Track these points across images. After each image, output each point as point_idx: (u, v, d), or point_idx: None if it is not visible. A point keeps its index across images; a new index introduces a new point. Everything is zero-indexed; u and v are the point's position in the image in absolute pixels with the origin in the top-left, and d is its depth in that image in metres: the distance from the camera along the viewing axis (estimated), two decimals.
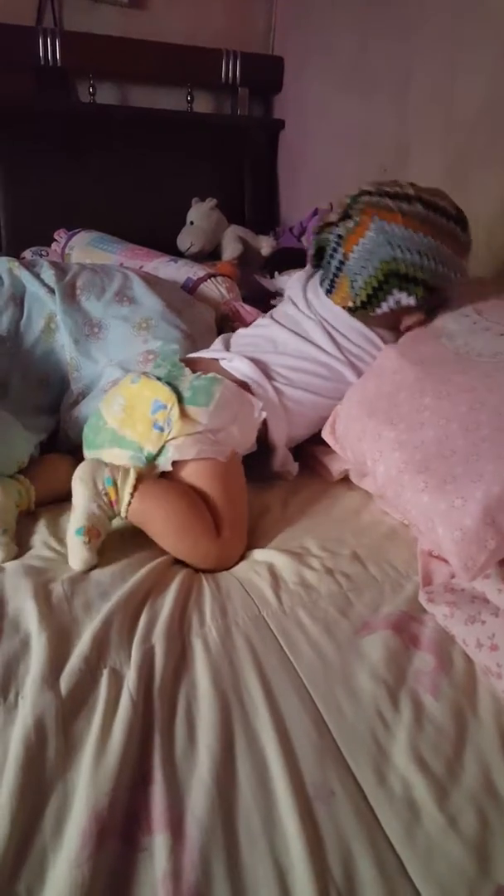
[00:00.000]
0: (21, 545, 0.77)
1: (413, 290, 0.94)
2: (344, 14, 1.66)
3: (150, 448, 0.84)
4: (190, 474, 0.84)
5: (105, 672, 0.58)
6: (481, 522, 0.63)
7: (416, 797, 0.49)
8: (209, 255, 1.69)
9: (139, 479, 0.80)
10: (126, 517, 0.79)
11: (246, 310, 1.29)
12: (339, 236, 0.98)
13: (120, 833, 0.45)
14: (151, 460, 0.84)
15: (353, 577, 0.73)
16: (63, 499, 0.86)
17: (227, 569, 0.77)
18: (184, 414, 0.85)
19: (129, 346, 1.10)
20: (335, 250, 0.99)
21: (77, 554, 0.73)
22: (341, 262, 0.98)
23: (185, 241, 1.67)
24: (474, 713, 0.57)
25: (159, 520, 0.79)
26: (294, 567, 0.74)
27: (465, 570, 0.64)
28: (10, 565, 0.72)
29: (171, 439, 0.84)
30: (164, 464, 0.84)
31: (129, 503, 0.78)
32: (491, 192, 1.28)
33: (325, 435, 0.93)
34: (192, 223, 1.70)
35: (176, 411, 0.85)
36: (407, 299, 0.94)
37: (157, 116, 1.85)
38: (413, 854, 0.46)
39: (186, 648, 0.61)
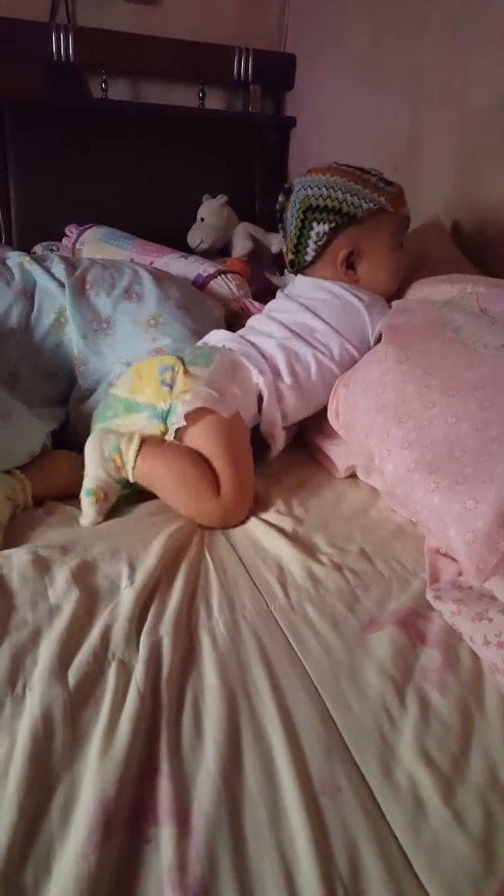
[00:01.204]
0: (21, 540, 0.77)
1: (325, 218, 1.07)
2: (356, 10, 1.66)
3: (163, 404, 0.90)
4: (195, 436, 0.88)
5: (114, 664, 0.58)
6: (493, 524, 0.63)
7: (421, 792, 0.49)
8: (219, 251, 1.70)
9: (143, 442, 0.86)
10: (133, 479, 0.85)
11: (255, 307, 1.29)
12: (278, 209, 1.17)
13: (126, 824, 0.45)
14: (166, 418, 0.90)
15: (360, 574, 0.73)
16: (63, 496, 0.89)
17: (234, 526, 0.82)
18: (187, 373, 0.92)
19: (137, 343, 1.10)
20: (280, 225, 1.17)
21: (84, 512, 0.82)
22: (282, 229, 1.17)
23: (195, 237, 1.67)
24: (481, 710, 0.57)
25: (164, 479, 0.85)
26: (302, 561, 0.74)
27: (477, 571, 0.64)
28: (19, 557, 0.72)
29: (179, 394, 0.89)
30: (178, 420, 0.88)
31: (134, 466, 0.84)
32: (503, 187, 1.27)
33: (331, 419, 0.95)
34: (202, 220, 1.70)
35: (181, 369, 0.92)
36: (321, 227, 1.07)
37: (168, 113, 1.85)
38: (418, 849, 0.45)
39: (194, 641, 0.62)
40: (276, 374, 0.99)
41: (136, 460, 0.84)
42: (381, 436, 0.80)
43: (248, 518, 0.84)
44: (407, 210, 1.12)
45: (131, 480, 0.85)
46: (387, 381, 0.86)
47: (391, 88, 1.54)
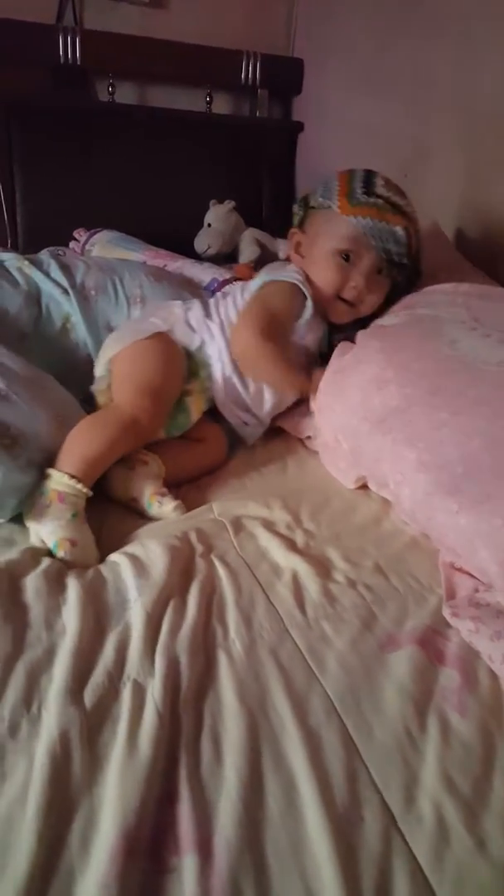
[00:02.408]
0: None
1: (297, 213, 1.15)
2: (364, 15, 1.65)
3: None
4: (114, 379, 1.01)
5: (129, 684, 0.57)
6: None
7: (445, 819, 0.48)
8: (226, 257, 1.69)
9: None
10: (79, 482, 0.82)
11: None
12: None
13: (148, 853, 0.45)
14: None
15: (375, 590, 0.72)
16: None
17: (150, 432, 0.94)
18: None
19: None
20: None
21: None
22: None
23: (202, 243, 1.67)
24: (501, 731, 0.56)
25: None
26: (317, 577, 0.73)
27: None
28: (32, 572, 0.71)
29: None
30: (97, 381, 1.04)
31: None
32: None
33: (331, 445, 0.96)
34: (209, 225, 1.69)
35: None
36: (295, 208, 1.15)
37: (175, 117, 1.84)
38: (443, 878, 0.45)
39: (211, 661, 0.61)
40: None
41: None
42: (392, 460, 0.80)
43: (255, 529, 0.82)
44: (383, 242, 1.04)
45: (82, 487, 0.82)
46: (390, 406, 0.85)
47: (399, 94, 1.54)
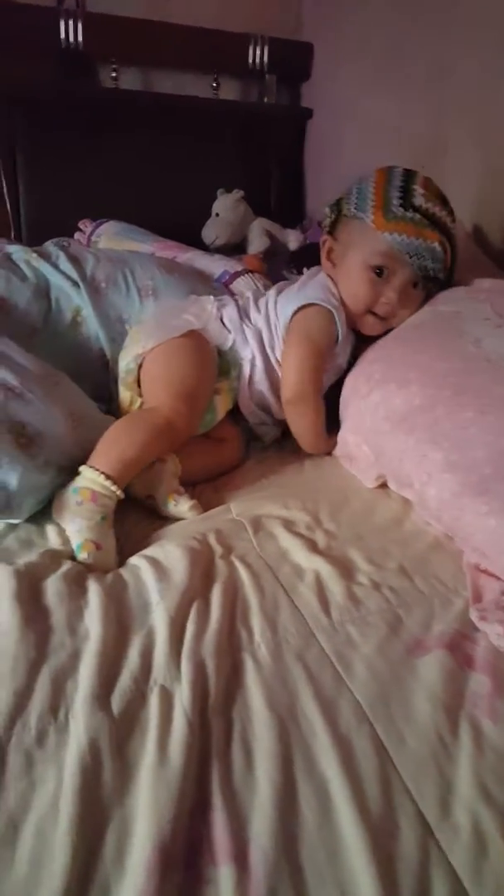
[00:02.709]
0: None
1: (331, 206, 1.10)
2: (377, 1, 1.62)
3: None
4: (145, 376, 1.00)
5: (156, 690, 0.56)
6: None
7: (482, 829, 0.48)
8: (235, 248, 1.67)
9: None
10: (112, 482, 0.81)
11: None
12: None
13: (184, 864, 0.44)
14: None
15: (401, 592, 0.71)
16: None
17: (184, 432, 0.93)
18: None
19: None
20: None
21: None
22: None
23: (210, 233, 1.65)
24: None
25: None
26: (340, 578, 0.72)
27: None
28: (52, 575, 0.70)
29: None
30: (126, 373, 1.02)
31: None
32: None
33: (351, 445, 0.94)
34: (217, 215, 1.67)
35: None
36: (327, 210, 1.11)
37: (181, 103, 1.81)
38: (482, 891, 0.44)
39: (237, 666, 0.60)
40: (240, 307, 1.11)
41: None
42: (416, 460, 0.79)
43: (275, 530, 0.81)
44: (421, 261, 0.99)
45: (115, 489, 0.81)
46: (414, 405, 0.84)
47: (414, 84, 1.51)
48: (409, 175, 1.02)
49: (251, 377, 1.07)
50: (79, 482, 0.80)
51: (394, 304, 1.03)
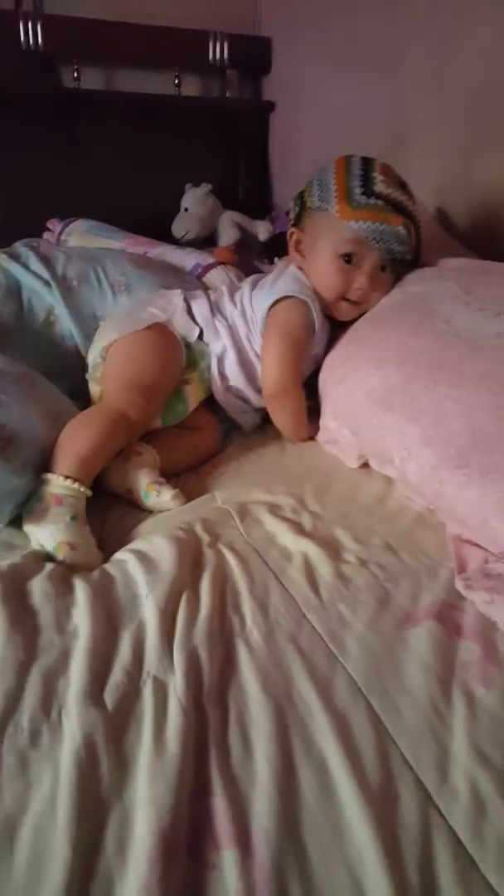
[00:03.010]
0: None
1: (294, 200, 1.12)
2: None
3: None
4: (108, 369, 1.00)
5: (149, 681, 0.56)
6: None
7: (480, 791, 0.48)
8: (205, 241, 1.67)
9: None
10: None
11: None
12: None
13: (187, 852, 0.44)
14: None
15: (388, 568, 0.72)
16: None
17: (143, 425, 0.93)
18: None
19: None
20: None
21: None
22: None
23: (180, 227, 1.64)
24: None
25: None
26: (328, 559, 0.72)
27: None
28: (37, 575, 0.69)
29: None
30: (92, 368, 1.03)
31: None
32: (492, 171, 1.26)
33: (332, 427, 0.95)
34: (186, 210, 1.67)
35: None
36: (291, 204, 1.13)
37: (145, 101, 1.80)
38: (485, 851, 0.44)
39: (230, 652, 0.60)
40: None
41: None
42: (396, 436, 0.79)
43: (261, 515, 0.81)
44: (386, 244, 1.00)
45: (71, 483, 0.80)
46: (390, 384, 0.85)
47: (373, 71, 1.51)
48: (367, 163, 1.04)
49: (221, 371, 1.06)
50: (42, 490, 0.79)
51: (365, 288, 1.04)
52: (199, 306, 1.10)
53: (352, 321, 1.08)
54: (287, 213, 1.13)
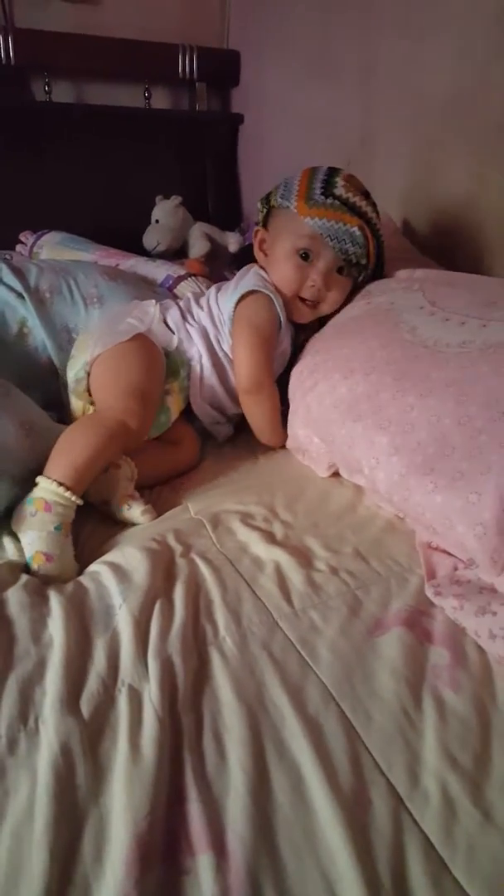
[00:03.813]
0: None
1: (260, 211, 1.14)
2: (302, 4, 1.65)
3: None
4: (94, 381, 0.99)
5: (124, 690, 0.56)
6: (501, 513, 0.64)
7: (450, 794, 0.49)
8: (176, 252, 1.68)
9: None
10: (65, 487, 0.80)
11: None
12: None
13: (162, 857, 0.44)
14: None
15: (358, 575, 0.73)
16: None
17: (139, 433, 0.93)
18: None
19: None
20: None
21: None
22: None
23: (151, 239, 1.65)
24: (494, 703, 0.58)
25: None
26: (299, 567, 0.73)
27: (493, 563, 0.64)
28: (12, 586, 0.69)
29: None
30: (75, 381, 1.02)
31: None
32: (456, 183, 1.29)
33: (301, 437, 0.97)
34: (157, 221, 1.68)
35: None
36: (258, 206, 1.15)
37: (115, 113, 1.82)
38: (455, 852, 0.46)
39: (204, 660, 0.60)
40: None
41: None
42: (365, 446, 0.81)
43: (233, 525, 0.82)
44: (339, 244, 1.03)
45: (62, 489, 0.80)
46: (358, 393, 0.86)
47: (341, 82, 1.55)
48: (332, 170, 1.08)
49: (201, 375, 1.08)
50: (34, 493, 0.79)
51: (319, 286, 1.07)
52: (172, 315, 1.12)
53: (319, 327, 1.11)
54: (257, 224, 1.15)
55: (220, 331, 1.10)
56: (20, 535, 0.76)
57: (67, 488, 0.79)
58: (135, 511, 0.85)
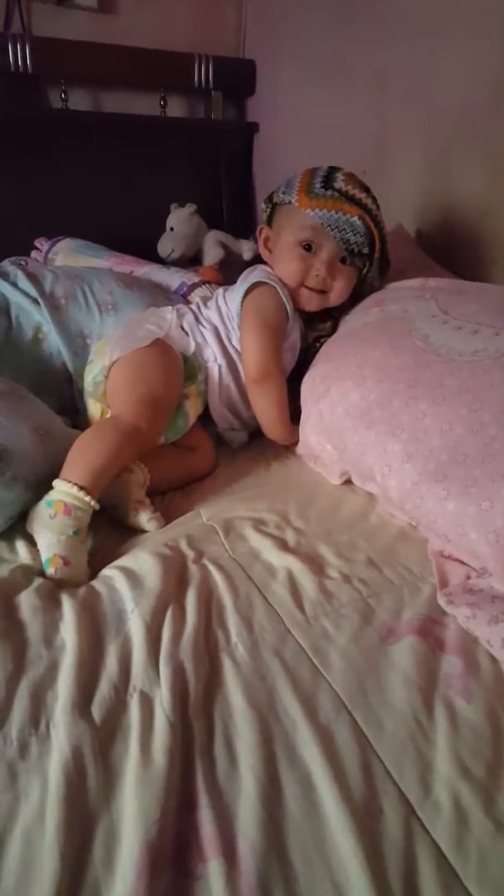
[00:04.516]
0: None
1: (265, 210, 1.16)
2: (316, 14, 1.66)
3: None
4: (111, 386, 1.01)
5: (135, 695, 0.57)
6: None
7: (462, 804, 0.49)
8: (190, 260, 1.68)
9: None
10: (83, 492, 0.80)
11: None
12: None
13: (173, 863, 0.44)
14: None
15: (370, 583, 0.73)
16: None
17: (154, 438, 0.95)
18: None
19: None
20: None
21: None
22: None
23: (166, 246, 1.66)
24: None
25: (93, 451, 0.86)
26: (312, 574, 0.73)
27: None
28: (25, 590, 0.70)
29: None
30: (93, 386, 1.04)
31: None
32: (471, 189, 1.29)
33: (313, 443, 0.97)
34: (172, 229, 1.69)
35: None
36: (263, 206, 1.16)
37: (131, 121, 1.83)
38: (467, 863, 0.45)
39: (215, 666, 0.60)
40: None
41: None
42: (377, 453, 0.81)
43: (246, 531, 0.82)
44: (339, 233, 1.05)
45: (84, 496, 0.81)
46: (371, 400, 0.86)
47: (355, 92, 1.55)
48: (333, 168, 1.10)
49: (219, 376, 1.09)
50: (52, 495, 0.80)
51: (323, 275, 1.08)
52: (187, 319, 1.13)
53: (332, 332, 1.12)
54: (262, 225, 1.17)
55: (229, 327, 1.11)
56: (37, 537, 0.77)
57: (85, 491, 0.80)
58: (142, 518, 0.86)
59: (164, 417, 0.97)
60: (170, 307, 1.14)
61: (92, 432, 0.89)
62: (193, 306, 1.16)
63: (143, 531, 0.86)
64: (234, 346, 1.11)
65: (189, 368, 1.06)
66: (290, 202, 1.08)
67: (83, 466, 0.82)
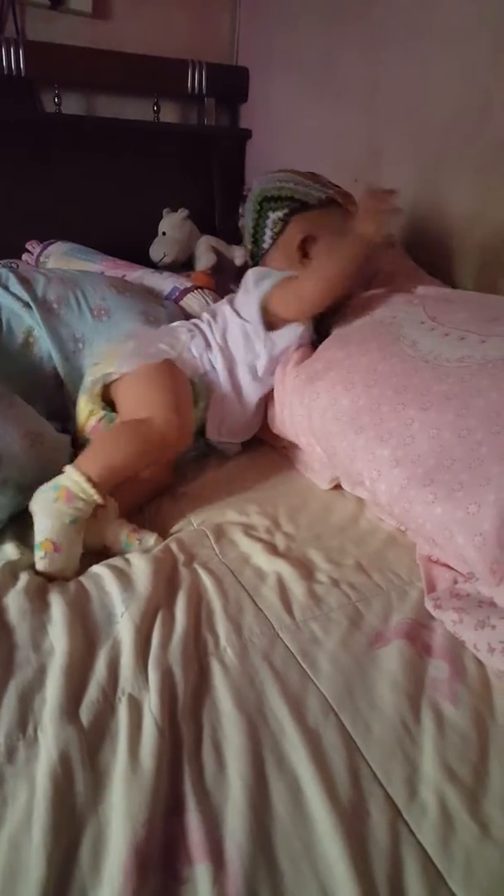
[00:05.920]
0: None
1: (280, 206, 1.12)
2: (309, 22, 1.67)
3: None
4: (123, 389, 0.98)
5: (124, 699, 0.57)
6: (500, 525, 0.64)
7: (448, 807, 0.50)
8: (182, 265, 1.69)
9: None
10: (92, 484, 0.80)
11: None
12: (241, 215, 1.22)
13: (160, 866, 0.44)
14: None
15: (359, 588, 0.73)
16: None
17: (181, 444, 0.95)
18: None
19: None
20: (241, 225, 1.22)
21: (37, 564, 0.75)
22: (241, 226, 1.22)
23: (158, 251, 1.66)
24: (492, 717, 0.58)
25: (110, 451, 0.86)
26: (301, 579, 0.74)
27: (492, 574, 0.65)
28: (12, 590, 0.70)
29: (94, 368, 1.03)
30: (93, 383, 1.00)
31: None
32: (461, 197, 1.30)
33: (302, 446, 0.97)
34: (164, 234, 1.69)
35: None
36: (276, 214, 1.12)
37: (124, 126, 1.83)
38: (452, 865, 0.46)
39: (204, 670, 0.61)
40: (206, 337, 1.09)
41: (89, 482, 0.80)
42: (366, 458, 0.82)
43: (236, 536, 0.83)
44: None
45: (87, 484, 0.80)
46: (360, 406, 0.87)
47: (347, 100, 1.56)
48: (302, 171, 1.17)
49: (224, 404, 1.06)
50: (61, 479, 0.79)
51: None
52: (197, 341, 1.08)
53: (321, 339, 1.11)
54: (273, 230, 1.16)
55: (249, 337, 1.07)
56: (35, 518, 0.77)
57: (94, 485, 0.79)
58: (148, 542, 0.82)
59: (189, 427, 0.96)
60: (184, 328, 1.11)
61: (121, 430, 0.90)
62: (205, 326, 1.12)
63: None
64: (248, 370, 1.07)
65: (194, 393, 1.04)
66: (327, 198, 1.11)
67: (100, 461, 0.82)
